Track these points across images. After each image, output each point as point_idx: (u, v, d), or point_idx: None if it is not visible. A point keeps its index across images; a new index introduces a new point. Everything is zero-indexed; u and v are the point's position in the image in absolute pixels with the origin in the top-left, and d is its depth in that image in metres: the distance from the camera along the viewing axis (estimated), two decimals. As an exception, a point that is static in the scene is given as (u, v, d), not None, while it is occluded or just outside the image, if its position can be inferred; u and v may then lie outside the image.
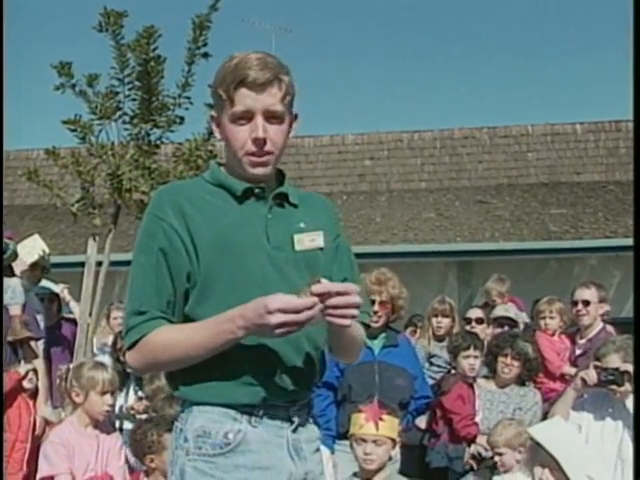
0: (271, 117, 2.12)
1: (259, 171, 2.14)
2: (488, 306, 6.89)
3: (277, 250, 2.15)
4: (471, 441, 4.78)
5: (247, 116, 2.10)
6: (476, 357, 5.10)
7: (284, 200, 2.23)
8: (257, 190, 2.18)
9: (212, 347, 2.03)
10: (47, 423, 4.97)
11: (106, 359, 6.70)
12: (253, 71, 2.08)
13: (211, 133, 6.82)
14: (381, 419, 3.94)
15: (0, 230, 5.75)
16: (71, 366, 4.41)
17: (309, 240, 2.20)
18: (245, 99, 2.09)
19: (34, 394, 4.79)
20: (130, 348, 2.12)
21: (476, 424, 4.83)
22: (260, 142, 2.11)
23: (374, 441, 3.91)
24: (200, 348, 2.04)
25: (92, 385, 4.09)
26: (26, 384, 4.52)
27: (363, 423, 3.96)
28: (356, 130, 14.06)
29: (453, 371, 5.30)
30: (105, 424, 4.20)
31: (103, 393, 4.08)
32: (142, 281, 2.13)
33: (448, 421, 4.87)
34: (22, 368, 4.55)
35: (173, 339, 2.07)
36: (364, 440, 3.94)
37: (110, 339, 6.68)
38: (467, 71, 27.85)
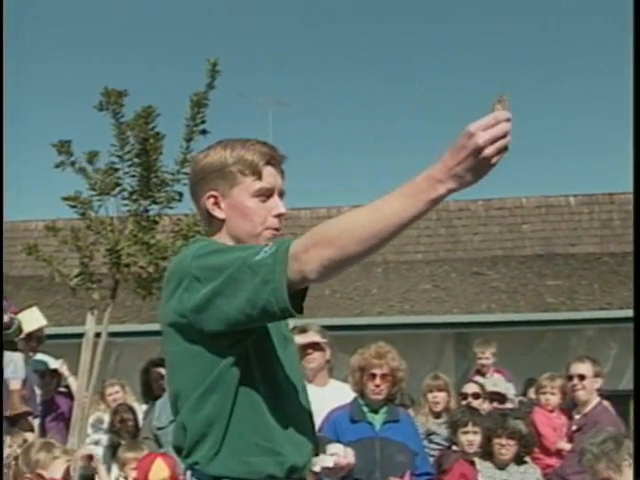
0: (280, 196, 2.26)
1: None
2: (480, 373, 6.98)
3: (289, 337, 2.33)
4: (477, 521, 4.75)
5: (268, 194, 2.22)
6: (475, 433, 5.08)
7: None
8: None
9: (410, 215, 1.83)
10: None
11: (102, 436, 6.68)
12: (276, 151, 2.24)
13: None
14: None
15: (0, 299, 5.81)
16: (18, 450, 4.47)
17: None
18: (269, 177, 2.22)
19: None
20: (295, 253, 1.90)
21: None
22: (281, 218, 2.24)
23: None
24: (395, 218, 1.83)
25: (42, 467, 4.12)
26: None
27: None
28: (353, 202, 14.19)
29: (454, 447, 5.28)
30: None
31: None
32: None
33: (452, 500, 4.83)
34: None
35: (357, 219, 1.87)
36: None
37: (105, 416, 6.67)
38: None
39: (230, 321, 1.98)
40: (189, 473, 2.15)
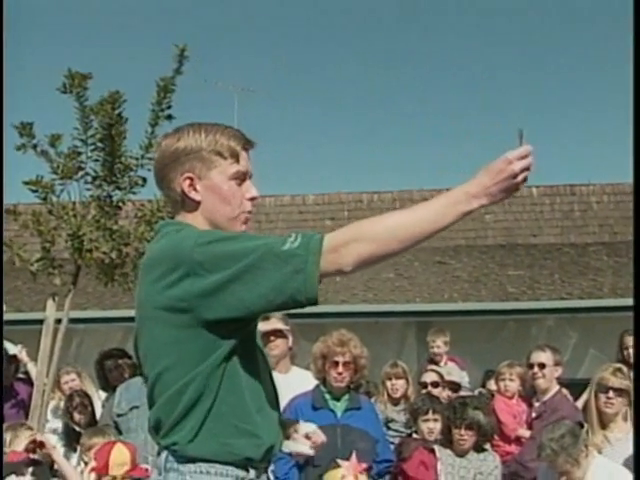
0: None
1: (245, 229, 2.30)
2: (433, 362, 7.05)
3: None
4: (434, 507, 4.79)
5: (243, 177, 2.27)
6: (436, 420, 5.13)
7: None
8: None
9: (445, 223, 2.03)
10: None
11: (60, 424, 6.61)
12: (248, 137, 2.31)
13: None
14: (361, 472, 4.01)
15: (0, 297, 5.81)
16: None
17: None
18: (244, 161, 2.28)
19: None
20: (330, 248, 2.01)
21: None
22: (254, 202, 2.31)
23: None
24: (432, 224, 2.03)
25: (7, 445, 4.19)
26: None
27: (341, 477, 4.01)
28: (317, 190, 14.21)
29: (414, 435, 5.32)
30: None
31: None
32: None
33: (411, 488, 4.86)
34: None
35: (400, 220, 2.06)
36: None
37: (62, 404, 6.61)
38: (427, 135, 28.38)
39: (249, 308, 2.03)
40: (165, 454, 2.15)
